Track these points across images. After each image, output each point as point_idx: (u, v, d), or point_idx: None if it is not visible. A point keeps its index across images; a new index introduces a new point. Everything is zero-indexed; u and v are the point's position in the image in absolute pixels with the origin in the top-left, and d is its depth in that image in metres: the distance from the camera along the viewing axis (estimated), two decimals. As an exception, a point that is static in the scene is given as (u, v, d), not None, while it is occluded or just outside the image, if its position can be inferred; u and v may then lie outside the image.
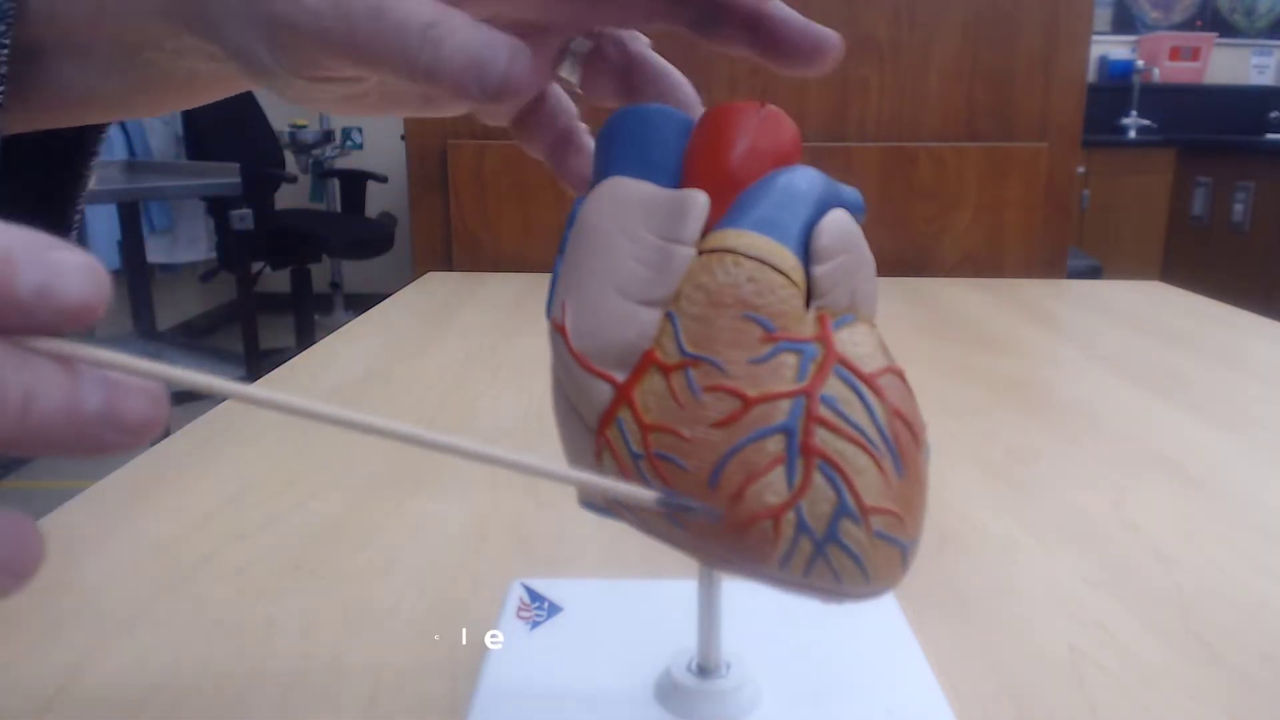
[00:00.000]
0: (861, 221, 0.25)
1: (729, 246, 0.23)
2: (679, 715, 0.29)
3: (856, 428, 0.23)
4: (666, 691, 0.30)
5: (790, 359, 0.23)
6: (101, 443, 0.17)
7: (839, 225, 0.24)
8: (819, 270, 0.24)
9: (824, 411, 0.23)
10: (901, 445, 0.23)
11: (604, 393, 0.24)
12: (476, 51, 0.22)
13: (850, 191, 0.26)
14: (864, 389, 0.23)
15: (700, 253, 0.24)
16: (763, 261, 0.23)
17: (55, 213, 0.34)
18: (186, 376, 0.18)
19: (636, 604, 0.35)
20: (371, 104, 0.28)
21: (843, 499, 0.22)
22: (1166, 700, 0.33)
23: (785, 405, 0.22)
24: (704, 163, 0.25)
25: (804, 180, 0.24)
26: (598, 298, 0.24)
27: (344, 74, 0.24)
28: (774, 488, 0.22)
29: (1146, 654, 0.36)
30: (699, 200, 0.24)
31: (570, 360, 0.24)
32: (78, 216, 0.34)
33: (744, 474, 0.22)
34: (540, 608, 0.35)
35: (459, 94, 0.22)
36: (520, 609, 0.35)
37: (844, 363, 0.23)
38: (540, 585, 0.36)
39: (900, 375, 0.24)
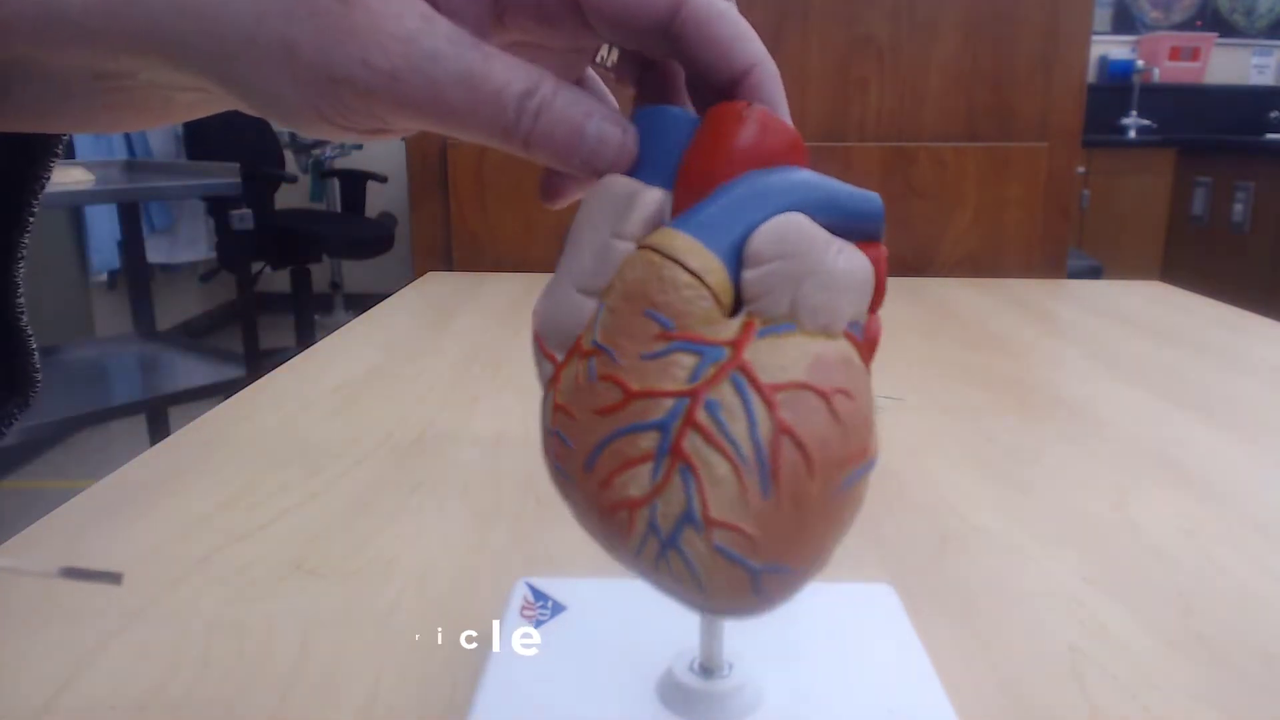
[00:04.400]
0: (877, 230, 0.25)
1: (653, 244, 0.24)
2: (681, 715, 0.29)
3: (729, 438, 0.22)
4: (669, 691, 0.30)
5: (686, 359, 0.23)
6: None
7: (777, 230, 0.23)
8: (747, 275, 0.23)
9: (702, 416, 0.22)
10: (779, 465, 0.22)
11: (547, 371, 0.25)
12: (580, 120, 0.22)
13: (860, 198, 0.25)
14: (754, 401, 0.22)
15: (638, 248, 0.24)
16: (675, 260, 0.23)
17: (10, 210, 0.33)
18: None
19: (640, 603, 0.35)
20: (398, 135, 0.27)
21: (690, 506, 0.22)
22: (1166, 700, 0.33)
23: (667, 404, 0.23)
24: (691, 163, 0.25)
25: (769, 184, 0.24)
26: (558, 286, 0.25)
27: (408, 128, 0.23)
28: (638, 481, 0.23)
29: (1146, 654, 0.36)
30: (643, 197, 0.24)
31: (532, 341, 0.26)
32: (26, 240, 0.33)
33: (615, 463, 0.23)
34: (544, 607, 0.35)
35: (557, 165, 0.23)
36: (524, 608, 0.35)
37: (745, 371, 0.23)
38: (544, 584, 0.36)
39: (825, 395, 0.23)
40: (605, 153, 0.23)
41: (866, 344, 0.25)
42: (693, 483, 0.22)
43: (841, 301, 0.23)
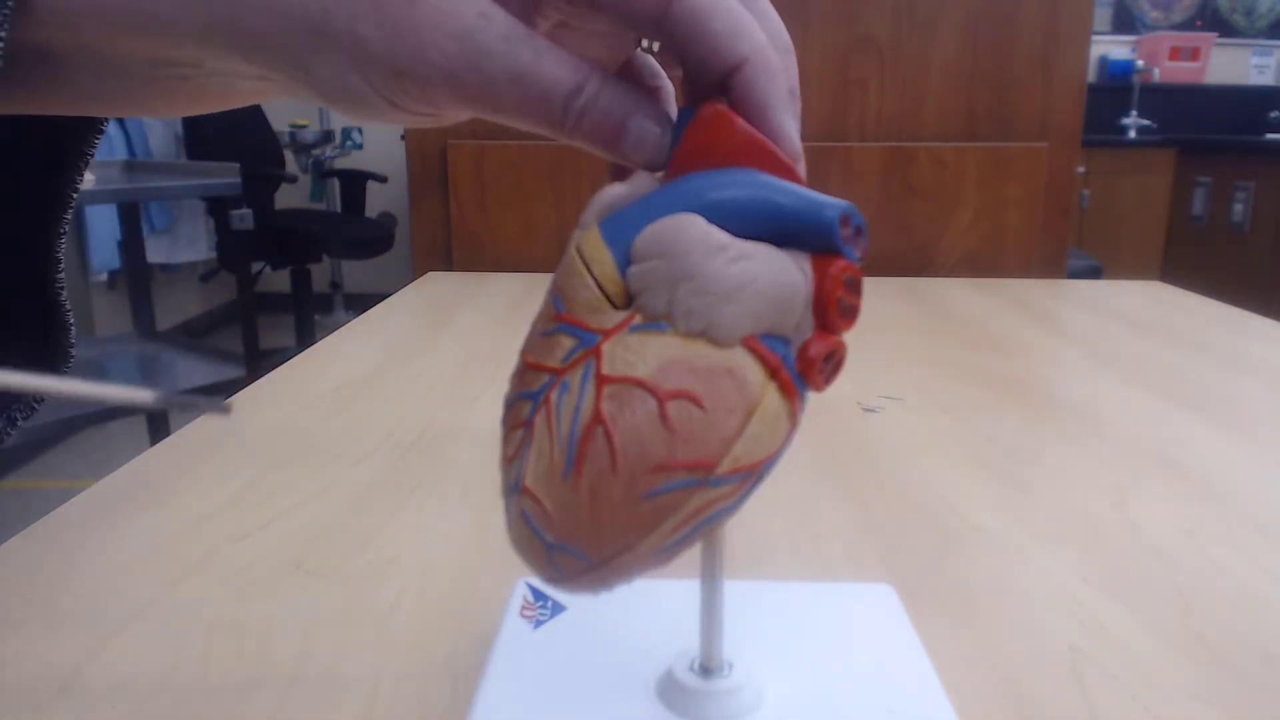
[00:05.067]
0: (829, 243, 0.23)
1: (579, 237, 0.25)
2: (681, 715, 0.29)
3: (558, 417, 0.23)
4: (669, 691, 0.30)
5: (566, 341, 0.24)
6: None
7: (657, 230, 0.24)
8: (629, 271, 0.24)
9: (554, 396, 0.24)
10: (584, 452, 0.22)
11: None
12: (622, 118, 0.23)
13: (808, 208, 0.23)
14: (588, 388, 0.23)
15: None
16: (576, 249, 0.25)
17: (43, 212, 0.33)
18: None
19: (640, 603, 0.35)
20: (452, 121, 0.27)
21: (519, 472, 0.24)
22: (1166, 700, 0.33)
23: (543, 379, 0.24)
24: (670, 161, 0.26)
25: (692, 186, 0.24)
26: None
27: (461, 115, 0.25)
28: (513, 442, 0.25)
29: (1146, 654, 0.36)
30: (597, 195, 0.26)
31: None
32: (68, 217, 0.34)
33: (511, 421, 0.25)
34: (544, 607, 0.35)
35: (602, 155, 0.24)
36: (524, 608, 0.35)
37: (597, 359, 0.23)
38: (544, 584, 0.36)
39: (660, 397, 0.22)
40: (644, 148, 0.24)
41: (805, 364, 0.23)
42: (528, 453, 0.24)
43: (725, 309, 0.23)
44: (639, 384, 0.22)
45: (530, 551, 0.24)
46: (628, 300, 0.24)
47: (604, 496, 0.22)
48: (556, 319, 0.25)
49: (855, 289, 0.24)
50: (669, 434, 0.22)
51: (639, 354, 0.23)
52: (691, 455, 0.22)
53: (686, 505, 0.22)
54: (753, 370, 0.23)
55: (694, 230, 0.23)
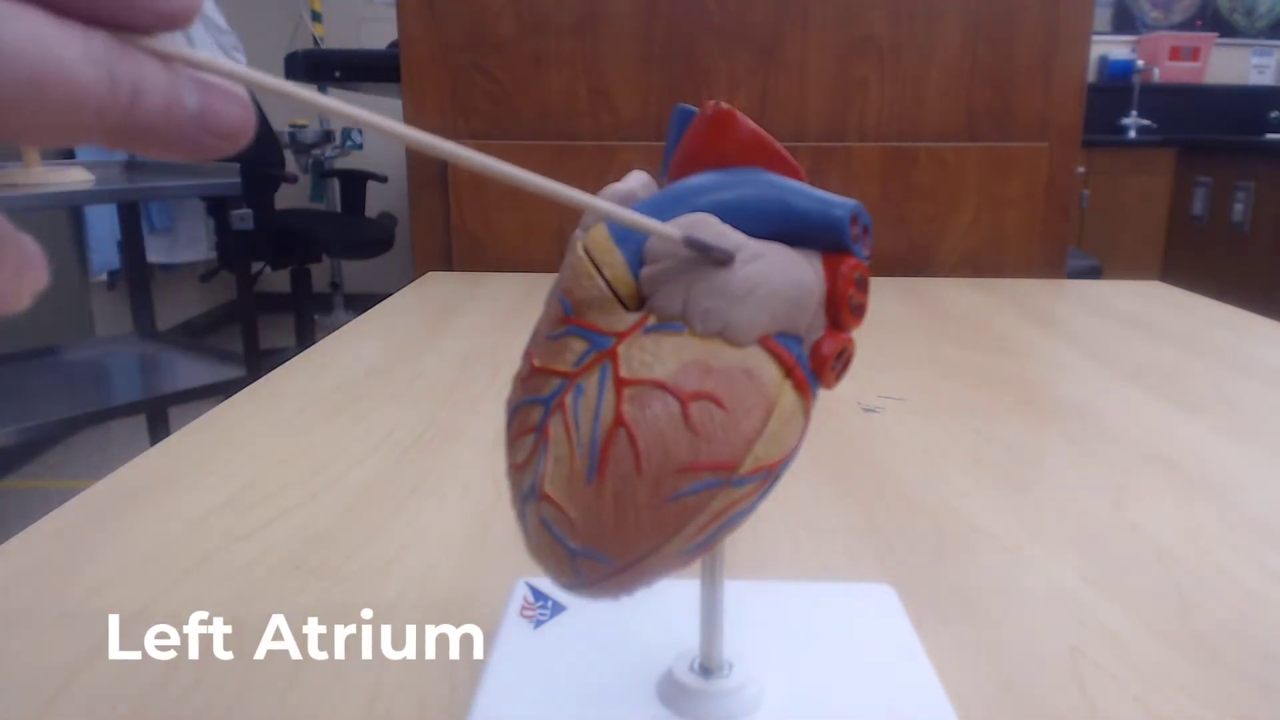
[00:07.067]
0: (839, 241, 0.24)
1: (584, 237, 0.25)
2: (681, 715, 0.29)
3: (576, 422, 0.23)
4: (669, 691, 0.30)
5: (576, 344, 0.24)
6: (197, 144, 0.17)
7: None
8: (643, 272, 0.24)
9: (568, 399, 0.23)
10: (607, 456, 0.22)
11: None
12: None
13: (818, 207, 0.23)
14: (607, 391, 0.23)
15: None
16: (585, 251, 0.24)
17: None
18: (274, 82, 0.17)
19: (640, 604, 0.35)
20: None
21: (535, 479, 0.24)
22: (1166, 700, 0.33)
23: (555, 383, 0.24)
24: (672, 159, 0.26)
25: (701, 184, 0.24)
26: None
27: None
28: (524, 448, 0.25)
29: (1146, 654, 0.36)
30: (604, 194, 0.25)
31: None
32: None
33: (520, 427, 0.25)
34: (544, 607, 0.35)
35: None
36: (524, 608, 0.35)
37: (614, 362, 0.23)
38: (544, 584, 0.36)
39: (682, 399, 0.22)
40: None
41: (818, 361, 0.23)
42: (543, 459, 0.24)
43: (739, 309, 0.23)
44: (660, 386, 0.22)
45: (552, 558, 0.24)
46: (639, 301, 0.24)
47: (629, 500, 0.22)
48: (565, 321, 0.24)
49: (864, 287, 0.24)
50: (692, 435, 0.22)
51: (656, 355, 0.23)
52: (715, 456, 0.22)
53: (710, 506, 0.22)
54: (769, 370, 0.23)
55: (709, 230, 0.23)
